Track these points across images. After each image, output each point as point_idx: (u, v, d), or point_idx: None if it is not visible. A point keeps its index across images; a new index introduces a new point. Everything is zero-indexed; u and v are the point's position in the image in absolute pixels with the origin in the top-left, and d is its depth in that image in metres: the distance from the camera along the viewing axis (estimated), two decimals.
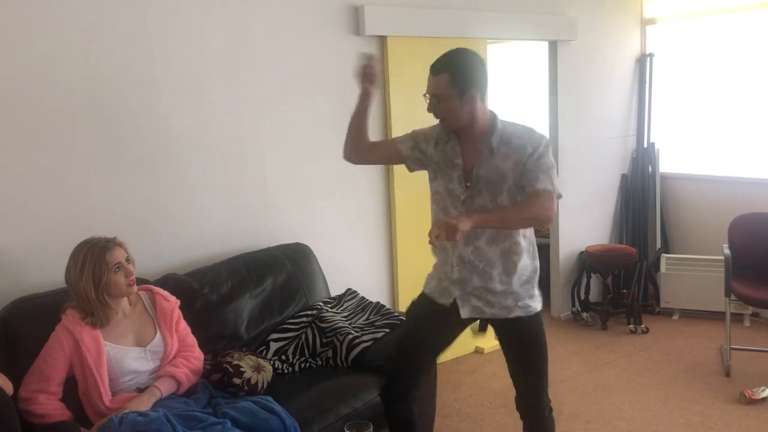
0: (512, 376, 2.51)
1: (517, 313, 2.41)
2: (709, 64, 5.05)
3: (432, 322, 2.52)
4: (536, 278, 2.49)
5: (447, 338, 2.58)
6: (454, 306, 2.43)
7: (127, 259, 2.45)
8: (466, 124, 2.33)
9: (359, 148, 2.56)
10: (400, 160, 2.55)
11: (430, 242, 2.17)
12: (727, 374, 3.93)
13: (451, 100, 2.28)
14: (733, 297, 3.93)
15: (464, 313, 2.43)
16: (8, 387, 2.17)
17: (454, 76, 2.27)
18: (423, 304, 2.55)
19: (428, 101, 2.34)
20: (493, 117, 2.38)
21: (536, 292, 2.48)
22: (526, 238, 2.42)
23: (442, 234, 2.14)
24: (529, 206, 2.29)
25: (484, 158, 2.33)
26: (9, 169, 2.67)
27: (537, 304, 2.47)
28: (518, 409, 2.51)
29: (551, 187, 2.30)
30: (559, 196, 2.35)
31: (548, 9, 4.62)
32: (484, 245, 2.37)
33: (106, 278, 2.36)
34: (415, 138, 2.51)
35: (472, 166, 2.35)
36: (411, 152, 2.50)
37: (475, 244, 2.37)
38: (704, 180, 5.13)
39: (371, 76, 2.42)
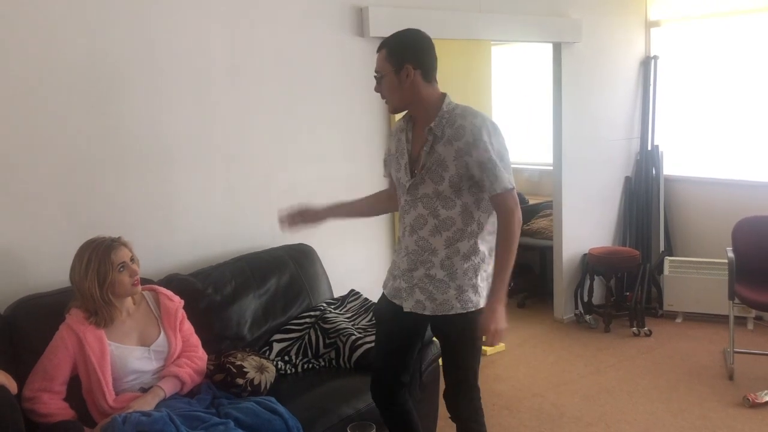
0: (443, 366, 2.50)
1: (457, 310, 2.33)
2: (713, 67, 5.05)
3: (396, 322, 2.49)
4: (487, 267, 2.38)
5: (415, 336, 2.55)
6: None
7: (132, 259, 2.45)
8: (409, 104, 2.34)
9: (386, 206, 2.64)
10: None
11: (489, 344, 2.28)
12: (731, 378, 3.92)
13: (389, 77, 2.29)
14: (736, 300, 3.93)
15: (407, 306, 2.40)
16: (12, 386, 2.17)
17: (390, 52, 2.29)
18: (384, 305, 2.55)
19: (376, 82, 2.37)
20: (442, 98, 2.34)
21: (482, 284, 2.36)
22: (480, 224, 2.33)
23: (496, 342, 2.25)
24: (508, 237, 2.26)
25: (428, 144, 2.29)
26: (14, 168, 2.68)
27: (479, 299, 2.34)
28: (445, 398, 2.51)
29: (510, 184, 2.25)
30: (511, 190, 2.27)
31: (552, 11, 4.62)
32: (428, 235, 2.33)
33: (110, 277, 2.37)
34: (385, 158, 2.56)
35: (418, 154, 2.34)
36: (388, 170, 2.55)
37: (419, 233, 2.35)
38: (708, 183, 5.13)
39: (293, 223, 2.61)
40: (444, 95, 2.35)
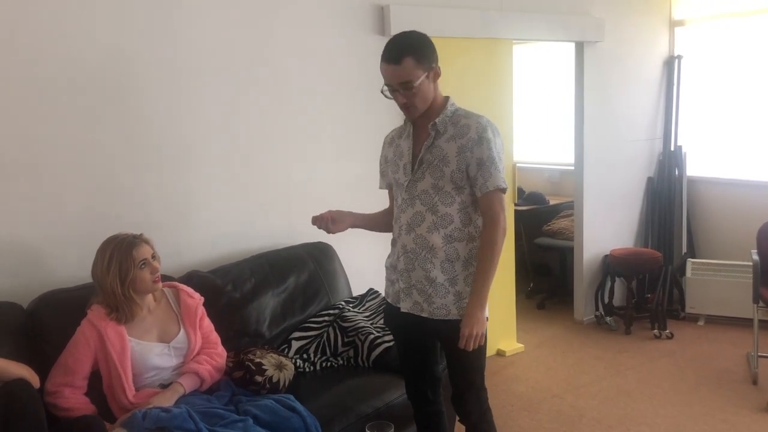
0: (448, 370, 2.48)
1: (454, 316, 2.31)
2: (737, 67, 4.98)
3: (407, 325, 2.45)
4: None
5: (426, 341, 2.52)
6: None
7: (153, 256, 2.47)
8: (430, 105, 2.31)
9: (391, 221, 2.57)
10: None
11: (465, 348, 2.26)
12: (755, 382, 3.86)
13: (423, 82, 2.23)
14: (761, 303, 3.86)
15: (404, 307, 2.39)
16: (35, 380, 2.20)
17: (418, 57, 2.21)
18: (390, 312, 2.53)
19: (394, 93, 2.26)
20: (446, 99, 2.36)
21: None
22: (477, 228, 2.33)
23: (473, 346, 2.25)
24: (489, 244, 2.24)
25: (430, 140, 2.30)
26: (37, 166, 2.71)
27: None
28: (453, 402, 2.49)
29: (504, 185, 2.26)
30: (504, 190, 2.28)
31: (575, 9, 4.58)
32: (426, 232, 2.31)
33: (132, 274, 2.39)
34: (380, 168, 2.56)
35: (419, 152, 2.34)
36: (387, 182, 2.54)
37: (417, 231, 2.33)
38: (732, 184, 5.06)
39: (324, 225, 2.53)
40: (448, 97, 2.37)
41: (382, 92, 2.30)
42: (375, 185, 3.70)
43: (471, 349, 2.25)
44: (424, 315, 2.35)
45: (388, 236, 2.59)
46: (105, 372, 2.41)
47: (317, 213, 2.56)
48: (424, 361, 2.55)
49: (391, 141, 2.50)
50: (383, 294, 2.62)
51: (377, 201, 3.75)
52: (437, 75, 2.28)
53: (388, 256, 2.54)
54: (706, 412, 3.57)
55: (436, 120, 2.29)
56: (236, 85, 3.22)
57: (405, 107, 2.30)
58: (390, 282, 2.51)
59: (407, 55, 2.20)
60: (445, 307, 2.32)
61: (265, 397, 2.49)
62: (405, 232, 2.36)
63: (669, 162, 5.19)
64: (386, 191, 2.61)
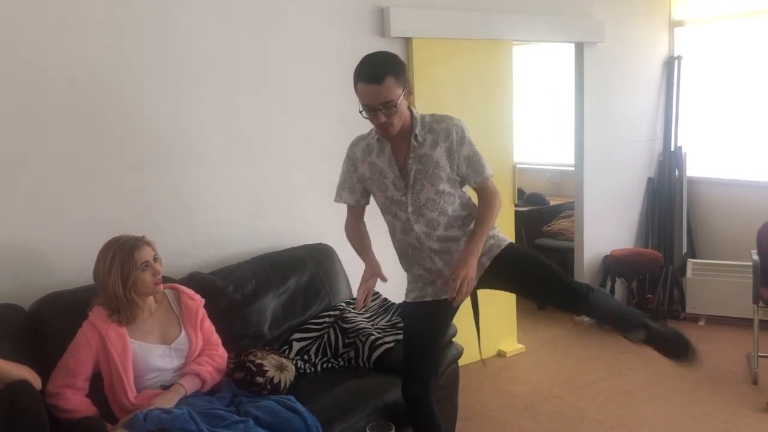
0: (541, 297, 2.68)
1: (504, 243, 2.53)
2: (737, 67, 4.98)
3: (426, 316, 2.56)
4: None
5: (444, 323, 2.65)
6: None
7: (155, 258, 2.48)
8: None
9: (365, 233, 2.68)
10: (367, 203, 2.62)
11: (455, 303, 2.34)
12: (755, 382, 3.86)
13: (402, 101, 2.29)
14: (761, 304, 3.86)
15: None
16: (37, 381, 2.20)
17: (396, 76, 2.25)
18: (414, 307, 2.60)
19: (374, 113, 2.27)
20: (412, 111, 2.42)
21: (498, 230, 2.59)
22: (465, 205, 2.51)
23: (464, 293, 2.31)
24: (493, 205, 2.46)
25: (415, 151, 2.37)
26: (38, 167, 2.72)
27: (508, 238, 2.59)
28: (572, 311, 2.60)
29: (491, 172, 2.47)
30: (492, 175, 2.48)
31: (575, 11, 4.59)
32: (443, 231, 2.45)
33: (134, 276, 2.39)
34: (347, 183, 2.56)
35: (405, 164, 2.39)
36: (361, 194, 2.56)
37: (435, 234, 2.45)
38: (732, 184, 5.06)
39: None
40: (410, 108, 2.42)
41: (360, 113, 2.32)
42: None
43: (461, 299, 2.31)
44: (486, 264, 2.50)
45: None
46: (106, 373, 2.42)
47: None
48: (434, 351, 2.62)
49: (362, 158, 2.50)
50: (408, 295, 2.65)
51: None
52: (410, 92, 2.37)
53: (408, 265, 2.60)
54: (707, 412, 3.57)
55: (416, 132, 2.37)
56: (237, 87, 3.23)
57: (383, 126, 2.31)
58: (427, 284, 2.56)
59: (388, 75, 2.23)
60: (494, 246, 2.51)
61: (266, 398, 2.50)
62: (426, 238, 2.46)
63: (669, 162, 5.20)
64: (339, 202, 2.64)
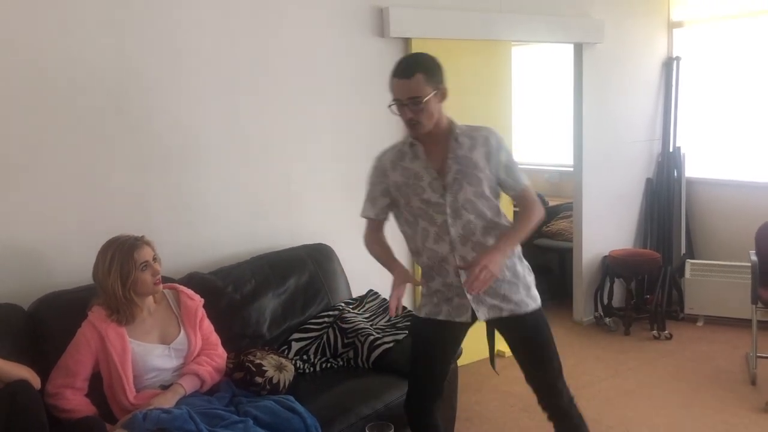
0: (527, 375, 2.50)
1: (531, 306, 2.42)
2: (736, 68, 4.99)
3: (436, 336, 2.50)
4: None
5: (455, 348, 2.61)
6: (473, 314, 2.41)
7: (154, 258, 2.48)
8: (435, 124, 2.34)
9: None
10: (386, 219, 2.55)
11: (468, 289, 2.26)
12: (753, 383, 3.87)
13: (431, 99, 2.28)
14: (759, 304, 3.87)
15: (482, 315, 2.40)
16: (36, 381, 2.21)
17: (428, 74, 2.27)
18: (425, 325, 2.50)
19: (402, 108, 2.29)
20: (449, 118, 2.42)
21: (533, 278, 2.52)
22: (502, 215, 2.44)
23: (480, 282, 2.19)
24: (532, 213, 2.39)
25: (455, 152, 2.35)
26: (37, 167, 2.72)
27: (539, 299, 2.49)
28: (542, 408, 2.51)
29: (527, 182, 2.44)
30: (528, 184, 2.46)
31: (574, 11, 4.59)
32: (480, 237, 2.37)
33: (133, 276, 2.39)
34: (371, 194, 2.51)
35: (442, 166, 2.36)
36: (381, 209, 2.49)
37: (472, 239, 2.37)
38: (731, 185, 5.07)
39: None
40: (450, 117, 2.42)
41: (389, 108, 2.34)
42: None
43: (476, 286, 2.20)
44: (504, 315, 2.40)
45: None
46: (106, 373, 2.42)
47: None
48: (441, 372, 2.57)
49: (393, 166, 2.43)
50: (420, 310, 2.53)
51: None
52: (444, 96, 2.33)
53: (428, 278, 2.48)
54: (705, 412, 3.58)
55: (457, 132, 2.36)
56: (237, 87, 3.23)
57: (411, 123, 2.31)
58: (443, 301, 2.44)
59: (418, 72, 2.26)
60: (522, 301, 2.42)
61: (265, 398, 2.50)
62: (460, 244, 2.36)
63: (668, 163, 5.20)
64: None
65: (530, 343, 2.47)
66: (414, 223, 2.44)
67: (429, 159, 2.38)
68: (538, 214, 2.41)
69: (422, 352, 2.55)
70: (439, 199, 2.35)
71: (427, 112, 2.28)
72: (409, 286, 2.61)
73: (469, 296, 2.38)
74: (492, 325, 2.49)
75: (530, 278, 2.49)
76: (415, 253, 2.51)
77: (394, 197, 2.46)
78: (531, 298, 2.44)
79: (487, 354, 2.64)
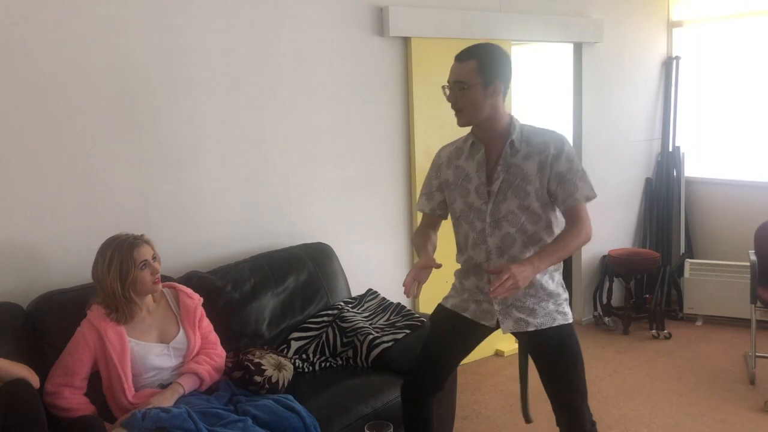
0: (551, 395, 2.37)
1: (559, 321, 2.32)
2: (735, 68, 4.99)
3: (455, 333, 2.46)
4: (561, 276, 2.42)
5: (470, 347, 2.54)
6: (498, 324, 2.37)
7: (154, 257, 2.48)
8: (484, 119, 2.25)
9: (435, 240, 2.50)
10: (443, 216, 2.49)
11: (491, 293, 2.08)
12: (752, 382, 3.87)
13: (476, 89, 2.19)
14: (758, 304, 3.87)
15: (506, 329, 2.34)
16: (35, 380, 2.20)
17: (482, 64, 2.19)
18: (447, 315, 2.48)
19: (449, 90, 2.25)
20: (511, 116, 2.33)
21: (566, 295, 2.41)
22: (551, 232, 2.34)
23: (504, 289, 2.06)
24: (575, 234, 2.23)
25: (507, 159, 2.26)
26: (36, 166, 2.71)
27: (570, 312, 2.40)
28: (560, 428, 2.41)
29: (593, 193, 2.26)
30: (591, 198, 2.28)
31: (573, 11, 4.59)
32: (519, 253, 2.29)
33: (132, 275, 2.39)
34: (426, 189, 2.48)
35: (493, 172, 2.28)
36: (438, 204, 2.45)
37: (509, 253, 2.29)
38: (730, 185, 5.07)
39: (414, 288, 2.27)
40: (511, 115, 2.32)
41: (443, 88, 2.29)
42: (374, 185, 3.75)
43: (498, 292, 2.06)
44: (530, 329, 2.32)
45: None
46: (104, 372, 2.42)
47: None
48: (450, 366, 2.54)
49: (448, 162, 2.40)
50: (447, 300, 2.50)
51: (375, 201, 3.78)
52: (496, 92, 2.22)
53: (463, 275, 2.44)
54: (704, 412, 3.58)
55: (513, 138, 2.26)
56: (236, 86, 3.23)
57: (454, 109, 2.27)
58: (472, 300, 2.41)
59: (473, 59, 2.21)
60: (549, 315, 2.32)
61: (264, 397, 2.50)
62: (496, 256, 2.30)
63: (667, 162, 5.21)
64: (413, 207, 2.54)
65: (556, 359, 2.34)
66: (457, 224, 2.42)
67: (484, 161, 2.30)
68: (584, 236, 2.25)
69: (436, 341, 2.51)
70: (482, 206, 2.29)
71: (468, 101, 2.21)
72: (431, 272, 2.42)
73: (496, 306, 2.33)
74: (520, 340, 2.44)
75: (564, 295, 2.39)
76: (458, 250, 2.47)
77: (445, 194, 2.43)
78: (560, 314, 2.34)
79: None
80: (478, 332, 2.45)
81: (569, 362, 2.33)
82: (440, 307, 2.54)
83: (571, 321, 2.37)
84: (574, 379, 2.34)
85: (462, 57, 2.24)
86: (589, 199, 2.26)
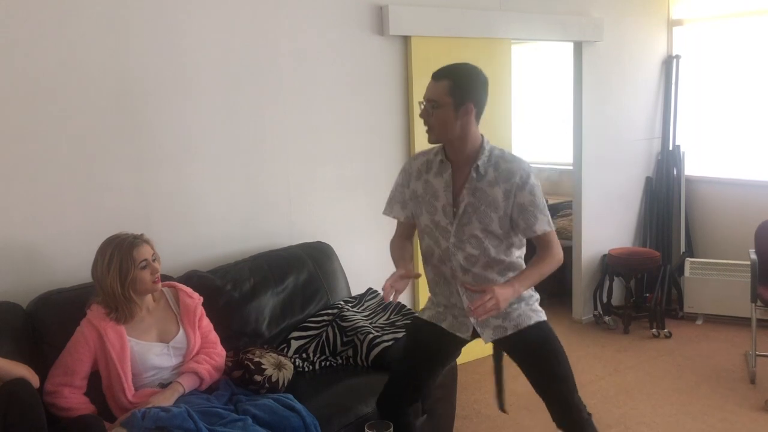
0: (540, 393, 2.40)
1: (534, 318, 2.37)
2: (736, 67, 4.99)
3: (432, 345, 2.47)
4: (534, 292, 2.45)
5: (446, 359, 2.56)
6: (474, 333, 2.40)
7: (154, 257, 2.48)
8: (455, 138, 2.27)
9: (411, 250, 2.53)
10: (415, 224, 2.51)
11: (472, 314, 2.15)
12: (752, 381, 3.87)
13: (447, 109, 2.22)
14: (759, 303, 3.87)
15: (486, 338, 2.38)
16: (35, 379, 2.20)
17: (455, 85, 2.22)
18: (424, 326, 2.49)
19: (422, 106, 2.29)
20: (482, 140, 2.33)
21: (537, 296, 2.45)
22: (520, 257, 2.39)
23: (485, 310, 2.11)
24: (547, 260, 2.30)
25: (472, 183, 2.28)
26: (36, 166, 2.71)
27: (542, 310, 2.44)
28: (558, 426, 2.42)
29: (550, 227, 2.29)
30: (549, 231, 2.32)
31: (573, 10, 4.59)
32: (481, 270, 2.33)
33: (132, 274, 2.39)
34: (399, 197, 2.48)
35: (459, 193, 2.30)
36: (409, 213, 2.46)
37: (472, 270, 2.33)
38: (730, 183, 5.07)
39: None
40: (483, 136, 2.34)
41: (419, 103, 2.33)
42: (373, 185, 3.74)
43: (479, 313, 2.11)
44: (509, 333, 2.36)
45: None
46: (104, 372, 2.42)
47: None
48: (429, 377, 2.54)
49: (418, 174, 2.41)
50: (423, 312, 2.54)
51: (375, 200, 3.76)
52: (467, 113, 2.24)
53: (433, 287, 2.47)
54: (705, 410, 3.58)
55: (479, 162, 2.28)
56: (235, 85, 3.23)
57: (425, 125, 2.30)
58: (449, 313, 2.44)
59: (447, 79, 2.23)
60: (524, 314, 2.37)
61: (264, 397, 2.50)
62: (461, 272, 2.34)
63: (667, 161, 5.20)
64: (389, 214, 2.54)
65: (538, 355, 2.38)
66: (421, 236, 2.44)
67: (451, 181, 2.32)
68: (555, 260, 2.31)
69: (413, 352, 2.53)
70: (447, 225, 2.32)
71: (439, 119, 2.24)
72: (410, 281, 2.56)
73: (472, 320, 2.36)
74: (498, 347, 2.46)
75: (535, 296, 2.44)
76: (423, 260, 2.49)
77: (414, 206, 2.44)
78: (533, 311, 2.39)
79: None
80: (453, 344, 2.47)
81: (551, 356, 2.37)
82: (417, 320, 2.57)
83: (545, 319, 2.42)
84: (560, 372, 2.37)
85: (437, 75, 2.26)
86: (545, 232, 2.29)
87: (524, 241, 2.39)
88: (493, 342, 2.42)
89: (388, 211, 2.53)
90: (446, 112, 2.23)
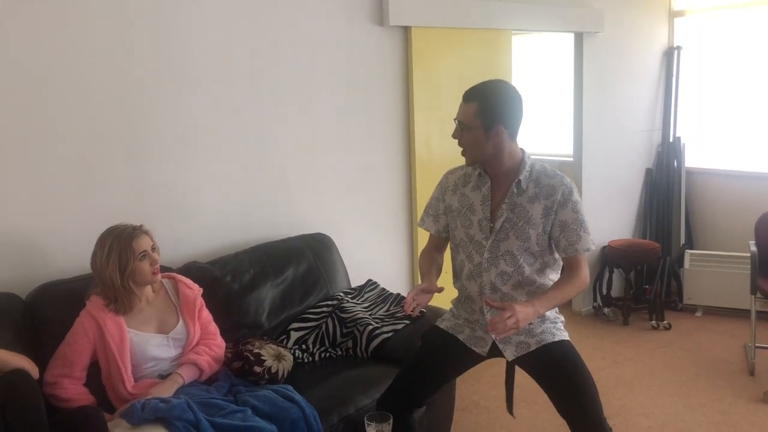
0: (564, 413, 2.29)
1: (559, 335, 2.33)
2: (737, 58, 4.97)
3: (446, 356, 2.45)
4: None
5: (456, 371, 2.55)
6: (492, 350, 2.37)
7: (153, 248, 2.47)
8: (488, 159, 2.27)
9: (440, 263, 2.51)
10: (449, 238, 2.49)
11: (491, 330, 2.10)
12: (752, 373, 3.88)
13: (476, 131, 2.22)
14: (759, 295, 3.87)
15: (510, 355, 2.34)
16: (34, 371, 2.20)
17: (482, 108, 2.20)
18: (441, 335, 2.47)
19: (456, 127, 2.28)
20: (523, 154, 2.32)
21: (562, 318, 2.44)
22: (545, 275, 2.36)
23: (505, 328, 2.06)
24: (574, 281, 2.25)
25: (512, 198, 2.26)
26: (36, 157, 2.70)
27: (567, 334, 2.40)
28: None
29: (592, 247, 2.28)
30: (591, 250, 2.31)
31: (574, 0, 4.57)
32: (510, 290, 2.31)
33: (131, 265, 2.38)
34: (433, 210, 2.47)
35: (497, 208, 2.28)
36: (441, 228, 2.46)
37: (502, 290, 2.31)
38: (731, 175, 5.06)
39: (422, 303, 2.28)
40: (523, 151, 2.32)
41: (455, 120, 2.31)
42: (373, 175, 3.74)
43: (499, 329, 2.06)
44: (532, 349, 2.32)
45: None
46: (104, 363, 2.42)
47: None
48: (436, 386, 2.52)
49: (454, 188, 2.41)
50: (442, 321, 2.53)
51: (375, 191, 3.77)
52: (498, 134, 2.22)
53: (457, 304, 2.47)
54: (704, 402, 3.59)
55: (521, 177, 2.26)
56: (234, 76, 3.21)
57: (459, 146, 2.29)
58: (468, 326, 2.43)
59: (476, 101, 2.22)
60: (547, 331, 2.34)
61: (263, 388, 2.50)
62: (489, 291, 2.32)
63: (668, 153, 5.19)
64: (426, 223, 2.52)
65: (562, 370, 2.29)
66: (455, 250, 2.43)
67: (489, 195, 2.30)
68: (581, 283, 2.27)
69: (426, 357, 2.48)
70: (482, 240, 2.30)
71: (470, 141, 2.24)
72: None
73: (494, 335, 2.32)
74: (517, 364, 2.40)
75: (560, 317, 2.42)
76: (453, 274, 2.48)
77: (448, 218, 2.43)
78: (557, 330, 2.36)
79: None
80: (468, 358, 2.44)
81: (576, 372, 2.28)
82: (434, 327, 2.55)
83: (567, 338, 2.37)
84: (585, 388, 2.26)
85: (467, 97, 2.26)
86: (588, 251, 2.28)
87: (561, 263, 2.36)
88: (516, 362, 2.36)
89: (422, 222, 2.54)
90: (476, 135, 2.23)
